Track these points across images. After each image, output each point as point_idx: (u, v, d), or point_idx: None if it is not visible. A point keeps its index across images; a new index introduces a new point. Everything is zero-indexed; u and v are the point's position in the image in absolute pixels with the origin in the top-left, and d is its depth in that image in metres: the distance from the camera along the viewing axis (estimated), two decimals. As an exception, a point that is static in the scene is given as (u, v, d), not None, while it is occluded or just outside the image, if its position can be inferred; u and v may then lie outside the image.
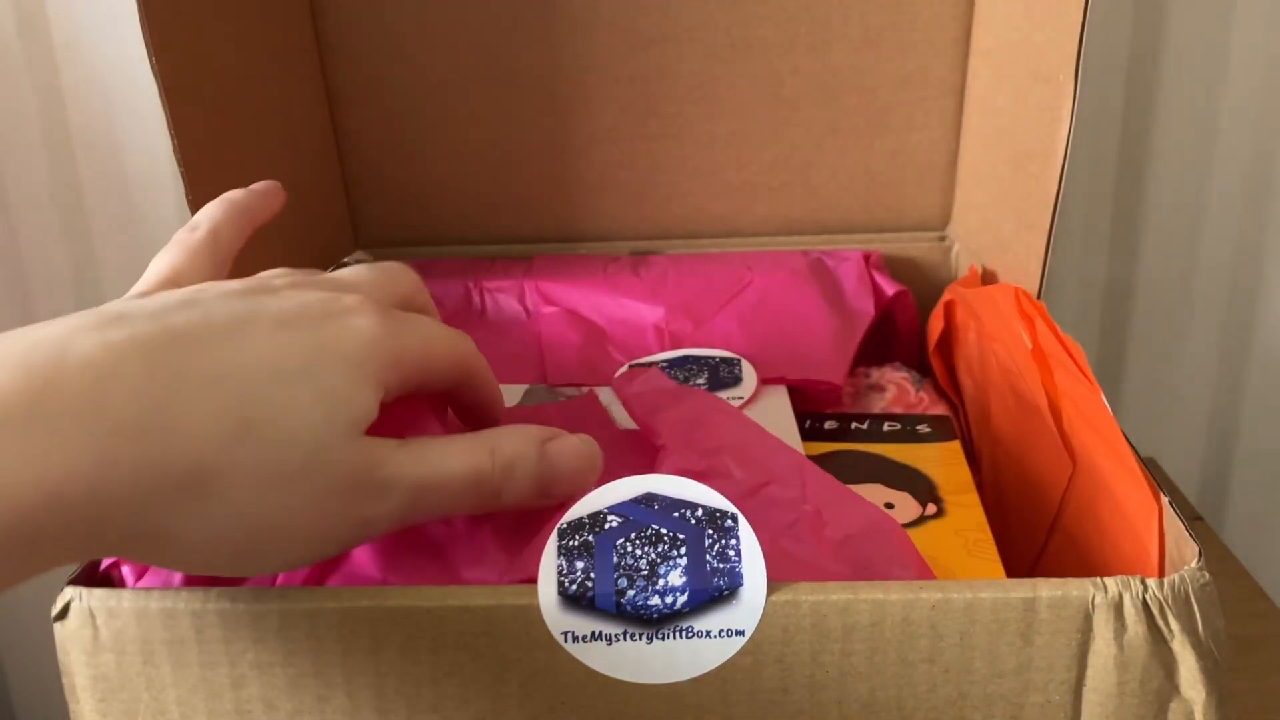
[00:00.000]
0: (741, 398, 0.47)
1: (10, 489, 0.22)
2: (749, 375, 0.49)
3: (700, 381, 0.49)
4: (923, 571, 0.33)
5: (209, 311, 0.27)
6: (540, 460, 0.30)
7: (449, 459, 0.29)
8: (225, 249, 0.33)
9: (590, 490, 0.30)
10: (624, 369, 0.50)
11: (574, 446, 0.31)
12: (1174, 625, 0.28)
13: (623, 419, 0.46)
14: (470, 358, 0.33)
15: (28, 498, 0.22)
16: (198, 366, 0.25)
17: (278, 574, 0.31)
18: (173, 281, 0.31)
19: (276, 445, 0.25)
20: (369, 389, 0.28)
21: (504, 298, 0.57)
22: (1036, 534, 0.42)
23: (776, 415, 0.46)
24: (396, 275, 0.33)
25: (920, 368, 0.55)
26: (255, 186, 0.37)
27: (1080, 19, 0.44)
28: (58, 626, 0.30)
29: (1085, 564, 0.38)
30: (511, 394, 0.48)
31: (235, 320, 0.27)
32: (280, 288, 0.29)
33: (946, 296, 0.54)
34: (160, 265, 0.32)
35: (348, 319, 0.28)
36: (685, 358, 0.51)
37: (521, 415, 0.43)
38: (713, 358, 0.51)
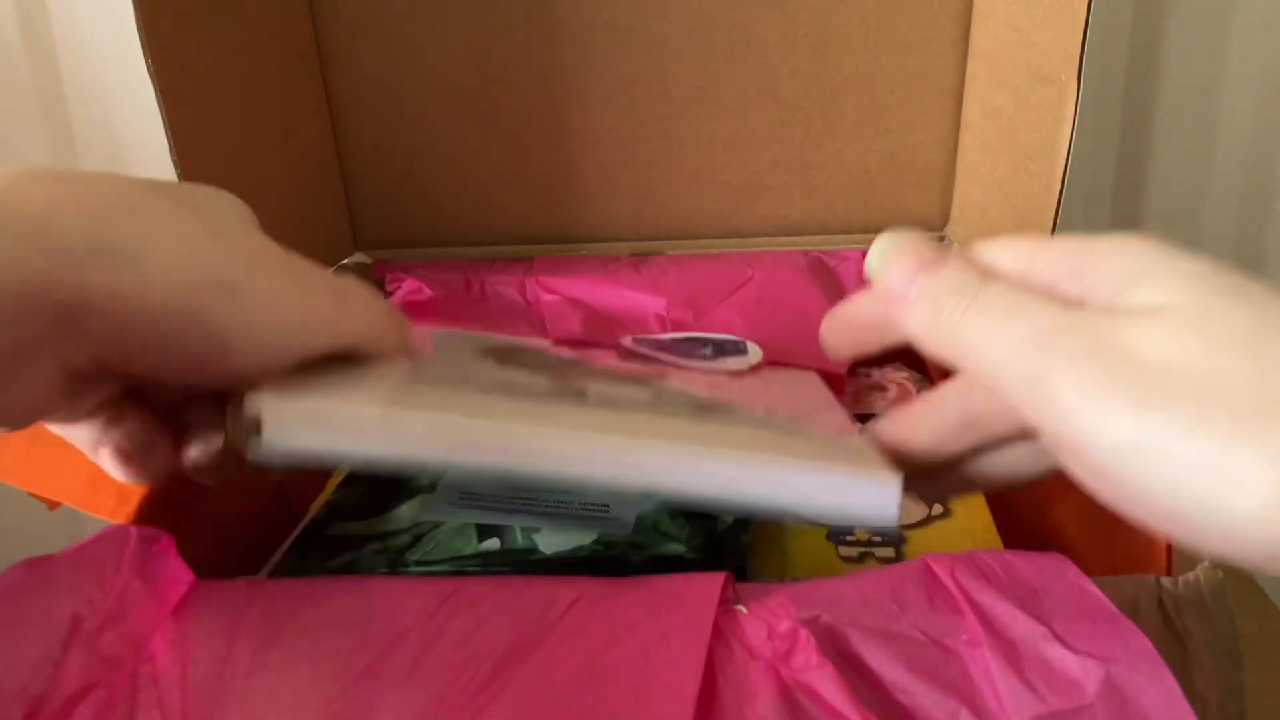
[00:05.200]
0: (749, 363, 0.47)
1: None
2: (754, 350, 0.48)
3: (705, 352, 0.48)
4: None
5: None
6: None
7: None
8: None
9: None
10: (627, 339, 0.49)
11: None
12: (1190, 624, 0.28)
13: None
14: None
15: None
16: None
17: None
18: None
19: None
20: None
21: (505, 290, 0.57)
22: (1043, 533, 0.42)
23: (809, 390, 0.45)
24: None
25: (920, 368, 0.55)
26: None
27: (1084, 19, 0.44)
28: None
29: (1093, 562, 0.38)
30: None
31: None
32: None
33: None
34: None
35: None
36: (688, 337, 0.51)
37: None
38: (716, 337, 0.50)
